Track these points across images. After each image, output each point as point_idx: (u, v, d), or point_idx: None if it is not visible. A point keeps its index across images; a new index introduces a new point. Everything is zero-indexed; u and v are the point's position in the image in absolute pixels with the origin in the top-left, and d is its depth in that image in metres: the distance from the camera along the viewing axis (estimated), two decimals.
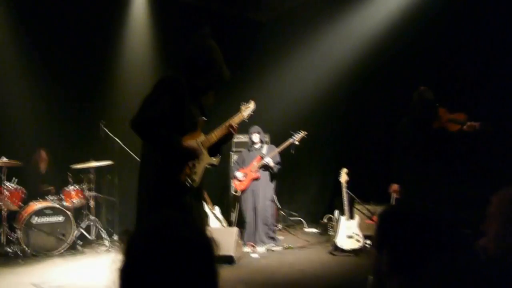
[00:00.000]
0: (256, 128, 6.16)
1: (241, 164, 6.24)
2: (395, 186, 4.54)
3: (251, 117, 3.36)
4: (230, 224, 6.39)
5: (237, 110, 3.32)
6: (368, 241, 5.38)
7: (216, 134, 3.02)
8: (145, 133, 2.73)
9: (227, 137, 3.06)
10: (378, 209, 5.86)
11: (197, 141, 2.89)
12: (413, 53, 5.99)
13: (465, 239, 1.68)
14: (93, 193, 6.13)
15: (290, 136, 6.06)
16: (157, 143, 2.77)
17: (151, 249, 0.94)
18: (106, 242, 5.92)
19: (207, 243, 1.00)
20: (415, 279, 1.20)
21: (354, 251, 5.35)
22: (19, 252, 5.25)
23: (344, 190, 5.57)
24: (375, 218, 5.82)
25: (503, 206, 1.56)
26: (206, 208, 6.04)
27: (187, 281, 0.93)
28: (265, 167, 6.03)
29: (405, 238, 1.24)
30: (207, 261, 0.98)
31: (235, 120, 3.13)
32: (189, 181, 2.81)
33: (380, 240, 1.34)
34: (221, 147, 3.09)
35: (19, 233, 5.29)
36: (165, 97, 2.73)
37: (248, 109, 3.32)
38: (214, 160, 3.04)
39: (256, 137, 6.18)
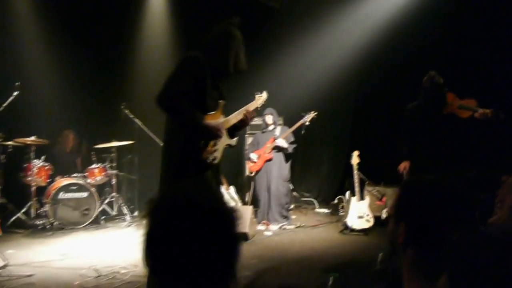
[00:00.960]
0: (269, 109, 6.31)
1: (256, 146, 6.43)
2: (404, 164, 4.41)
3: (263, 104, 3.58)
4: (244, 203, 6.62)
5: (249, 94, 3.52)
6: (386, 209, 5.53)
7: (233, 117, 3.16)
8: (170, 107, 2.82)
9: (243, 122, 3.18)
10: (388, 190, 6.04)
11: (217, 121, 3.01)
12: (426, 38, 6.06)
13: (481, 215, 1.64)
14: (114, 171, 6.44)
15: (301, 117, 6.22)
16: (181, 117, 2.85)
17: (173, 215, 0.96)
18: (127, 218, 6.24)
19: (228, 211, 1.02)
20: (429, 251, 1.19)
21: (364, 231, 5.55)
22: (47, 225, 5.60)
23: (355, 172, 5.73)
24: (385, 199, 6.00)
25: None
26: (222, 188, 6.29)
27: (208, 247, 0.95)
28: (278, 148, 6.22)
29: (424, 211, 1.21)
30: (228, 228, 1.00)
31: (250, 107, 3.28)
32: (210, 158, 2.95)
33: (399, 211, 1.30)
34: (238, 129, 3.22)
35: (47, 207, 5.64)
36: (187, 75, 2.81)
37: (261, 98, 3.52)
38: (233, 141, 3.18)
39: (269, 119, 6.34)
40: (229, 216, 1.01)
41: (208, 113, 2.97)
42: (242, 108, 3.24)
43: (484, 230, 0.99)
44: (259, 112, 6.00)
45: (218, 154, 3.02)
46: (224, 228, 0.99)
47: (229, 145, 3.19)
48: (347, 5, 7.20)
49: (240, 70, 3.05)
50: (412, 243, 1.23)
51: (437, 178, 1.29)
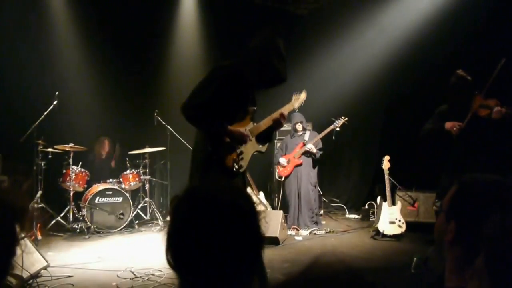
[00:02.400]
0: (299, 117, 6.33)
1: (284, 150, 6.45)
2: (453, 124, 4.17)
3: (302, 104, 3.51)
4: (273, 208, 6.65)
5: (276, 100, 3.48)
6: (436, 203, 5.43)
7: (265, 123, 3.17)
8: (191, 118, 2.91)
9: (277, 125, 3.18)
10: (421, 195, 5.95)
11: (246, 128, 3.05)
12: (456, 43, 5.97)
13: None
14: (148, 177, 6.61)
15: (332, 122, 6.21)
16: (203, 127, 2.94)
17: (196, 210, 0.96)
18: (160, 222, 6.38)
19: (252, 208, 1.00)
20: (477, 250, 1.11)
21: (396, 236, 5.48)
22: (84, 229, 5.81)
23: (387, 177, 5.67)
24: (417, 204, 5.91)
25: None
26: (251, 194, 6.35)
27: (229, 244, 0.94)
28: (308, 153, 6.23)
29: (479, 212, 1.16)
30: (250, 226, 0.98)
31: (285, 109, 3.24)
32: (236, 166, 2.98)
33: (452, 208, 1.26)
34: (272, 134, 3.24)
35: (84, 212, 5.84)
36: (212, 85, 2.87)
37: (299, 99, 3.43)
38: (262, 148, 3.20)
39: (299, 127, 6.37)
40: (252, 213, 0.99)
41: (237, 120, 3.01)
42: (276, 112, 3.23)
43: None
44: (289, 117, 6.04)
45: (244, 163, 3.04)
46: (247, 225, 0.97)
47: (259, 152, 3.20)
48: (374, 11, 7.19)
49: (278, 83, 3.01)
50: (460, 241, 1.20)
51: (496, 178, 1.23)
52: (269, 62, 2.89)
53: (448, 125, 4.18)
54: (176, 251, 0.97)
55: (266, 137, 3.23)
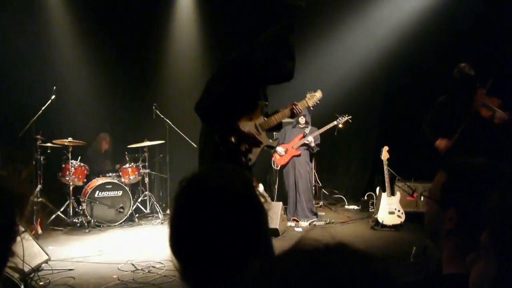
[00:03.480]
0: (304, 110, 6.29)
1: (282, 138, 6.41)
2: (443, 142, 4.14)
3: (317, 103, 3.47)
4: (272, 199, 6.66)
5: (277, 94, 3.45)
6: (423, 194, 5.44)
7: (276, 118, 3.14)
8: (205, 120, 2.94)
9: (291, 116, 3.20)
10: (419, 186, 5.96)
11: (256, 123, 3.05)
12: (457, 35, 5.97)
13: None
14: (147, 170, 6.62)
15: (335, 118, 6.20)
16: (217, 127, 2.95)
17: (198, 197, 0.94)
18: (160, 215, 6.39)
19: (254, 195, 0.98)
20: (477, 238, 1.07)
21: (395, 227, 5.50)
22: (84, 222, 5.82)
23: (386, 168, 5.69)
24: (416, 194, 5.93)
25: None
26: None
27: (233, 230, 0.92)
28: (306, 145, 6.23)
29: (480, 195, 1.10)
30: (253, 212, 0.96)
31: (299, 105, 3.22)
32: (244, 159, 2.99)
33: (448, 196, 1.20)
34: (281, 123, 3.23)
35: (84, 206, 5.85)
36: (224, 81, 2.88)
37: (313, 97, 3.40)
38: (273, 143, 3.21)
39: (302, 120, 6.34)
40: (256, 201, 0.97)
41: (248, 114, 3.01)
42: (288, 107, 3.20)
43: None
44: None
45: (253, 156, 3.04)
46: (250, 213, 0.95)
47: (269, 147, 3.20)
48: (373, 2, 7.16)
49: (285, 79, 3.03)
50: (462, 229, 1.15)
51: (489, 161, 1.20)
52: (278, 60, 2.88)
53: (438, 143, 4.17)
54: (179, 240, 0.96)
55: (276, 126, 3.22)
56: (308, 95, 3.41)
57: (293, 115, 3.20)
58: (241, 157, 2.98)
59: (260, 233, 0.97)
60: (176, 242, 0.96)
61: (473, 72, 4.08)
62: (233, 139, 2.95)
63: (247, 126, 2.99)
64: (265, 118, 3.12)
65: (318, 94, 3.44)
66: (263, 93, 3.11)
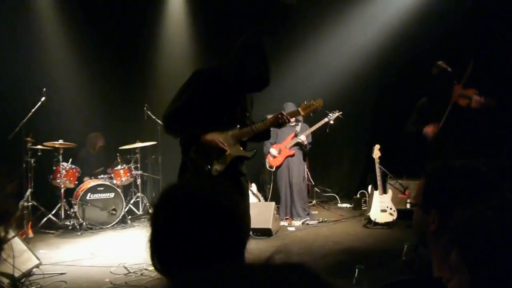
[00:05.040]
0: (292, 107, 6.27)
1: (274, 138, 6.36)
2: (432, 127, 4.20)
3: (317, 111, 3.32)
4: (265, 199, 6.66)
5: (266, 95, 3.37)
6: (409, 199, 5.48)
7: (256, 127, 3.02)
8: (169, 128, 2.96)
9: (275, 126, 3.08)
10: (411, 183, 6.00)
11: (228, 133, 2.97)
12: (446, 32, 6.00)
13: None
14: (139, 172, 6.59)
15: (326, 115, 6.20)
16: (177, 135, 3.00)
17: (173, 212, 0.96)
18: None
19: (232, 204, 0.99)
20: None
21: (387, 224, 5.53)
22: (76, 225, 5.78)
23: (377, 166, 5.71)
24: (407, 192, 5.96)
25: None
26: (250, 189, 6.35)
27: (209, 242, 0.93)
28: (299, 144, 6.23)
29: (459, 196, 1.14)
30: (228, 222, 0.97)
31: (288, 115, 3.08)
32: (207, 168, 2.91)
33: (429, 198, 1.22)
34: (269, 132, 3.16)
35: (76, 208, 5.81)
36: (189, 88, 2.88)
37: (310, 107, 3.20)
38: (247, 153, 3.06)
39: (292, 118, 6.34)
40: (232, 209, 0.98)
41: (222, 125, 2.96)
42: (271, 118, 3.10)
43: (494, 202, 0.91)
44: (280, 107, 6.02)
45: (219, 166, 2.94)
46: (227, 222, 0.96)
47: (244, 157, 3.06)
48: (363, 2, 7.19)
49: (261, 86, 2.92)
50: (446, 230, 1.14)
51: (465, 162, 1.22)
52: (248, 65, 2.79)
53: (425, 129, 4.23)
54: (161, 256, 0.97)
55: (262, 135, 3.13)
56: (303, 104, 3.24)
57: (278, 124, 3.05)
58: (205, 166, 2.91)
59: (240, 243, 0.99)
60: (160, 261, 0.97)
61: (450, 69, 4.20)
62: (192, 152, 2.91)
63: (216, 136, 2.90)
64: (241, 129, 3.00)
65: (318, 103, 3.25)
66: (244, 104, 3.04)
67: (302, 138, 6.15)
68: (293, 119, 6.26)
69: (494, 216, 0.83)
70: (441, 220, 1.18)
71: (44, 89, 5.75)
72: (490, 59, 5.38)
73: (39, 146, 5.80)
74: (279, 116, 3.00)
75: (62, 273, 4.03)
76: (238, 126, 3.01)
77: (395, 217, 5.55)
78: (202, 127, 2.89)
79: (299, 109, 3.20)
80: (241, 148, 3.03)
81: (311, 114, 3.33)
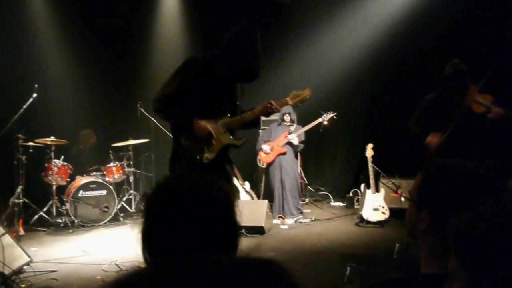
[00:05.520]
0: (288, 108, 6.26)
1: (268, 136, 6.42)
2: (433, 136, 4.02)
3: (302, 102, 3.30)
4: (258, 197, 6.67)
5: (260, 91, 3.42)
6: (404, 194, 5.48)
7: (243, 117, 3.06)
8: (157, 110, 2.95)
9: (267, 113, 3.11)
10: (403, 182, 6.03)
11: (218, 122, 3.00)
12: (441, 31, 6.03)
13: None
14: (132, 169, 6.57)
15: (320, 115, 6.22)
16: (169, 118, 3.00)
17: (166, 205, 0.96)
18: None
19: (227, 200, 1.00)
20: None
21: (379, 223, 5.56)
22: (68, 223, 5.74)
23: (370, 165, 5.74)
24: (400, 191, 5.99)
25: None
26: (237, 183, 6.35)
27: (204, 236, 0.93)
28: (290, 144, 6.24)
29: (450, 197, 1.14)
30: (224, 217, 0.97)
31: (277, 104, 3.09)
32: (198, 157, 2.93)
33: (422, 197, 1.22)
34: (258, 119, 3.22)
35: (68, 206, 5.78)
36: (180, 75, 2.90)
37: (298, 96, 3.20)
38: (237, 142, 3.10)
39: (287, 118, 6.33)
40: (226, 205, 0.99)
41: (210, 113, 2.98)
42: (259, 106, 3.11)
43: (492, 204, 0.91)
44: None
45: (210, 155, 2.97)
46: (221, 217, 0.96)
47: (234, 146, 3.10)
48: (357, 2, 7.21)
49: (254, 76, 2.96)
50: (435, 229, 1.16)
51: (464, 163, 1.20)
52: (239, 56, 2.83)
53: (429, 138, 4.05)
54: (151, 248, 0.96)
55: (250, 123, 3.17)
56: (291, 93, 3.26)
57: (267, 113, 3.09)
58: (195, 155, 2.94)
59: (234, 239, 0.99)
60: (151, 253, 0.97)
61: (466, 68, 4.01)
62: (182, 139, 2.93)
63: (206, 123, 2.94)
64: (231, 118, 3.06)
65: (305, 93, 3.25)
66: (234, 93, 3.09)
67: (293, 138, 6.15)
68: (288, 119, 6.29)
69: (491, 219, 0.83)
70: (431, 220, 1.18)
71: (36, 85, 5.71)
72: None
73: (30, 143, 5.76)
74: (268, 105, 3.03)
75: (53, 271, 4.00)
76: (228, 115, 3.06)
77: (387, 216, 5.58)
78: (193, 114, 2.93)
79: (287, 98, 3.19)
80: (231, 137, 3.09)
81: (299, 104, 3.34)
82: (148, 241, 0.97)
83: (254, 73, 2.90)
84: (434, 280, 1.16)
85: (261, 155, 6.42)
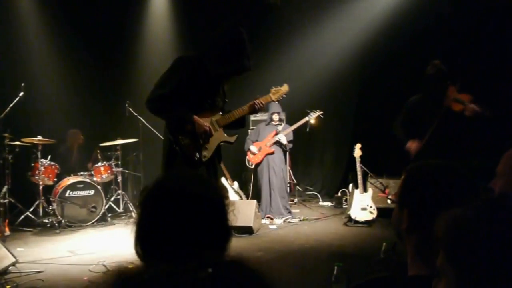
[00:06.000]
0: (276, 107, 6.31)
1: (256, 136, 6.43)
2: (413, 143, 4.12)
3: (283, 97, 3.47)
4: (247, 197, 6.68)
5: (249, 91, 3.51)
6: (390, 196, 5.55)
7: (234, 114, 3.17)
8: (155, 110, 2.97)
9: (253, 110, 3.20)
10: (391, 182, 6.09)
11: (212, 119, 3.08)
12: (429, 30, 6.09)
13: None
14: (120, 169, 6.53)
15: (306, 114, 6.25)
16: (167, 117, 2.99)
17: (164, 202, 0.98)
18: (133, 214, 6.31)
19: (220, 200, 1.02)
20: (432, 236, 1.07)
21: (367, 222, 5.60)
22: (55, 223, 5.68)
23: (358, 165, 5.78)
24: (387, 191, 6.05)
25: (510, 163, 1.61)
26: (226, 183, 6.35)
27: (198, 234, 0.95)
28: (278, 143, 6.26)
29: (427, 196, 1.17)
30: (218, 217, 1.00)
31: (261, 100, 3.24)
32: (197, 155, 2.99)
33: (403, 197, 1.26)
34: (244, 119, 3.26)
35: (54, 206, 5.72)
36: (175, 75, 2.93)
37: (278, 92, 3.39)
38: (230, 138, 3.21)
39: (276, 117, 6.36)
40: (219, 205, 1.01)
41: (204, 111, 3.04)
42: (248, 104, 3.22)
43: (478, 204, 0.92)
44: (267, 106, 6.04)
45: (207, 153, 3.05)
46: (214, 217, 0.99)
47: (227, 142, 3.21)
48: (346, 1, 7.24)
49: (244, 72, 3.03)
50: (415, 229, 1.19)
51: (442, 163, 1.23)
52: (229, 53, 2.89)
53: (409, 144, 4.13)
54: (144, 242, 0.98)
55: (238, 123, 3.23)
56: (272, 90, 3.42)
57: (255, 110, 3.19)
58: (194, 153, 2.98)
59: (225, 238, 1.01)
60: (142, 247, 0.99)
61: (446, 70, 4.09)
62: (181, 139, 2.96)
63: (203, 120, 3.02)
64: (223, 115, 3.14)
65: (284, 88, 3.44)
66: (222, 90, 3.15)
67: (281, 137, 6.17)
68: (277, 118, 6.32)
69: (481, 216, 0.84)
70: (410, 220, 1.20)
71: (23, 84, 5.65)
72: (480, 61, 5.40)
73: (17, 142, 5.70)
74: (254, 103, 3.15)
75: (39, 271, 3.96)
76: (220, 112, 3.14)
77: (375, 215, 5.63)
78: (188, 110, 2.96)
79: (270, 94, 3.37)
80: (225, 134, 3.17)
81: (281, 98, 3.49)
82: (141, 235, 0.99)
83: (245, 67, 2.97)
84: (420, 283, 1.18)
85: (249, 156, 6.44)
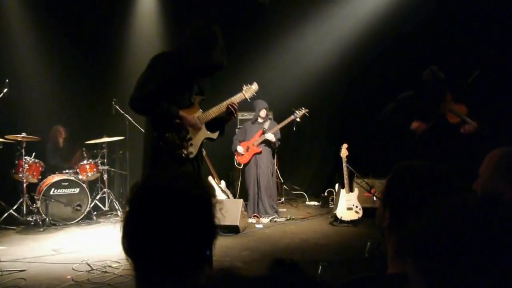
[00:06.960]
0: (264, 103, 6.31)
1: (243, 135, 6.43)
2: (418, 123, 4.14)
3: (254, 95, 3.57)
4: (234, 196, 6.67)
5: (238, 88, 3.53)
6: (376, 194, 5.58)
7: (214, 111, 3.21)
8: (141, 108, 2.96)
9: (228, 115, 3.22)
10: (377, 182, 6.13)
11: (194, 116, 3.12)
12: (417, 31, 6.14)
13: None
14: (106, 167, 6.46)
15: (292, 113, 6.26)
16: (155, 114, 2.97)
17: (152, 198, 0.99)
18: (119, 213, 6.26)
19: (207, 198, 1.04)
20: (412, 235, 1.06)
21: (353, 222, 5.65)
22: (39, 221, 5.61)
23: (344, 165, 5.81)
24: (373, 191, 6.09)
25: (493, 163, 1.67)
26: (213, 182, 6.34)
27: (183, 232, 0.97)
28: (267, 142, 6.27)
29: (408, 195, 1.19)
30: (205, 215, 1.02)
31: (235, 100, 3.31)
32: (184, 152, 3.00)
33: (385, 195, 1.29)
34: (224, 126, 3.28)
35: (38, 204, 5.64)
36: (155, 73, 2.93)
37: (250, 90, 3.51)
38: (212, 135, 3.23)
39: (263, 113, 6.37)
40: (207, 203, 1.03)
41: (184, 107, 3.06)
42: (226, 101, 3.27)
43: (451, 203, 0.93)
44: (250, 104, 6.05)
45: (193, 149, 3.08)
46: (201, 214, 1.00)
47: (210, 139, 3.24)
48: (333, 1, 7.28)
49: (220, 67, 3.04)
50: (395, 228, 1.21)
51: (426, 164, 1.25)
52: (203, 50, 2.92)
53: (414, 125, 4.14)
54: (131, 239, 0.99)
55: (218, 127, 3.26)
56: (244, 88, 3.51)
57: (229, 113, 3.21)
58: (181, 150, 2.98)
59: (211, 236, 1.03)
60: (129, 243, 1.00)
61: (443, 76, 4.09)
62: (168, 136, 2.96)
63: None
64: (203, 112, 3.18)
65: (254, 87, 3.56)
66: (199, 87, 3.18)
67: (270, 136, 6.18)
68: (264, 115, 6.32)
69: (446, 222, 0.82)
70: (391, 218, 1.23)
71: (7, 80, 5.56)
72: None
73: (0, 139, 5.61)
74: (230, 105, 3.20)
75: (21, 270, 3.91)
76: (200, 110, 3.17)
77: (360, 215, 5.67)
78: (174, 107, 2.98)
79: (243, 92, 3.47)
80: (207, 131, 3.20)
81: (252, 96, 3.57)
82: (128, 231, 1.00)
83: (219, 64, 2.99)
84: (399, 281, 1.15)
85: (237, 156, 6.44)
